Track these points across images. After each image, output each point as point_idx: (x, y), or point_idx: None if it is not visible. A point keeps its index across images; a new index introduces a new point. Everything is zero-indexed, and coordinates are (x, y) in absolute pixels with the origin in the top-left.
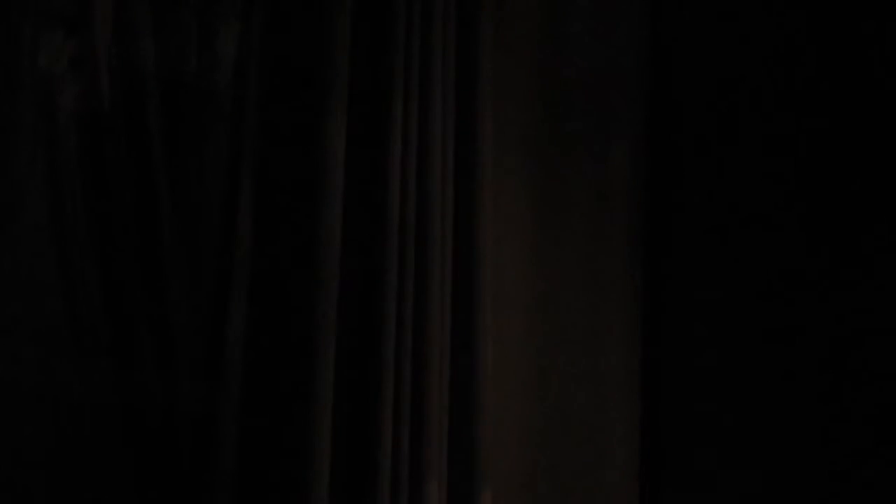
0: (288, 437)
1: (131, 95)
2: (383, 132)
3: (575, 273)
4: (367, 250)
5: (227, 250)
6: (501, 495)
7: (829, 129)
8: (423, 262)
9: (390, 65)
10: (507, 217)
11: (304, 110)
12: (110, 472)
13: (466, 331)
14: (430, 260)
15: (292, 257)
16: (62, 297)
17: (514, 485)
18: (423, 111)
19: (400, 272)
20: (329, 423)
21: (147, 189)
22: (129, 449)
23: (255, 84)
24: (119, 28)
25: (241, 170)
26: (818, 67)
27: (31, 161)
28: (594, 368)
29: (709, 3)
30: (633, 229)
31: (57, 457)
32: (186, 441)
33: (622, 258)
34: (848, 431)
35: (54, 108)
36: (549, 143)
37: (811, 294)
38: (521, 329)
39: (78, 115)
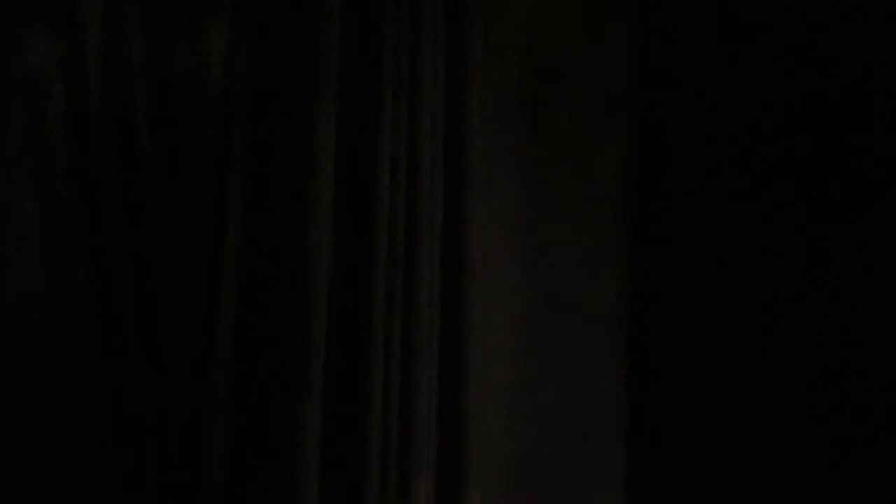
0: (277, 435)
1: (120, 95)
2: (373, 131)
3: (564, 273)
4: (356, 248)
5: (216, 248)
6: (489, 495)
7: (818, 130)
8: (412, 264)
9: (380, 63)
10: (496, 219)
11: (293, 109)
12: (100, 468)
13: (454, 331)
14: (419, 261)
15: (281, 254)
16: (51, 294)
17: (503, 484)
18: (412, 111)
19: (389, 272)
20: (318, 422)
21: (136, 187)
22: (119, 446)
23: (245, 83)
24: (108, 27)
25: (230, 168)
26: (809, 71)
27: (19, 160)
28: (582, 369)
29: (698, 8)
30: (624, 230)
31: (46, 454)
32: (176, 438)
33: (612, 259)
34: (844, 433)
35: (43, 107)
36: (538, 146)
37: (803, 292)
38: (508, 330)
39: (67, 115)
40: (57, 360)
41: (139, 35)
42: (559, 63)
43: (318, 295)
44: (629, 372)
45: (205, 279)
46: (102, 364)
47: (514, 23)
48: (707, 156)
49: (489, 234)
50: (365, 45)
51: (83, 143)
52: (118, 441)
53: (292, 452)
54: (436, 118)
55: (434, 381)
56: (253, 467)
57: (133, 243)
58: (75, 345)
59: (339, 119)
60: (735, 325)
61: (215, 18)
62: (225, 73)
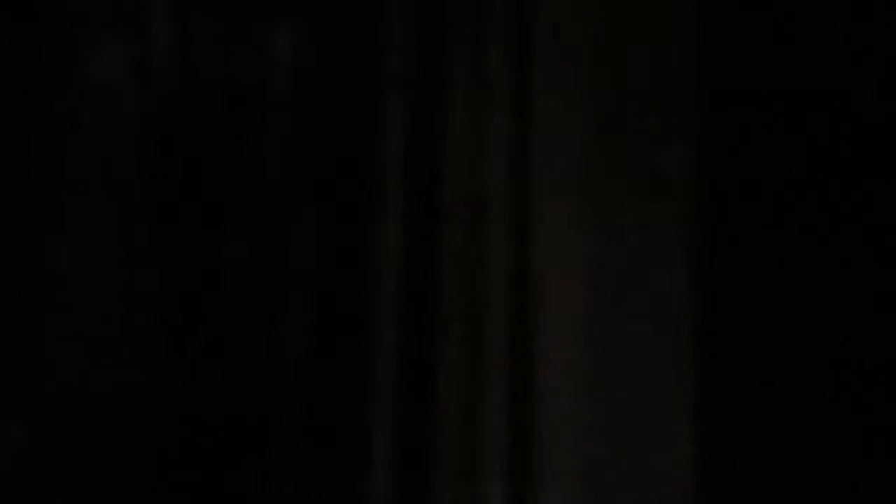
0: (347, 436)
1: (188, 98)
2: (440, 131)
3: (631, 272)
4: (424, 250)
5: (286, 250)
6: (560, 494)
7: (884, 130)
8: (479, 261)
9: (447, 65)
10: (560, 219)
11: (360, 110)
12: (171, 473)
13: (524, 329)
14: (486, 258)
15: (351, 256)
16: (124, 299)
17: (572, 483)
18: (479, 112)
19: (457, 271)
20: (388, 422)
21: (205, 191)
22: (190, 452)
23: (312, 85)
24: (175, 32)
25: (299, 170)
26: (875, 72)
27: (89, 166)
28: (649, 365)
29: (760, 12)
30: (688, 232)
31: (119, 460)
32: (246, 441)
33: (677, 260)
34: None
35: (111, 113)
36: (603, 147)
37: (864, 294)
38: (577, 328)
39: (135, 120)
40: (128, 367)
41: (206, 39)
42: (624, 63)
43: (387, 299)
44: (697, 378)
45: (277, 284)
46: (176, 370)
47: (580, 23)
48: (775, 158)
49: (554, 234)
50: (431, 46)
51: (152, 147)
52: (189, 447)
53: (362, 454)
54: (502, 119)
55: (504, 381)
56: (322, 468)
57: (204, 246)
58: (148, 350)
59: (406, 119)
60: (809, 331)
61: (282, 21)
62: (292, 76)
